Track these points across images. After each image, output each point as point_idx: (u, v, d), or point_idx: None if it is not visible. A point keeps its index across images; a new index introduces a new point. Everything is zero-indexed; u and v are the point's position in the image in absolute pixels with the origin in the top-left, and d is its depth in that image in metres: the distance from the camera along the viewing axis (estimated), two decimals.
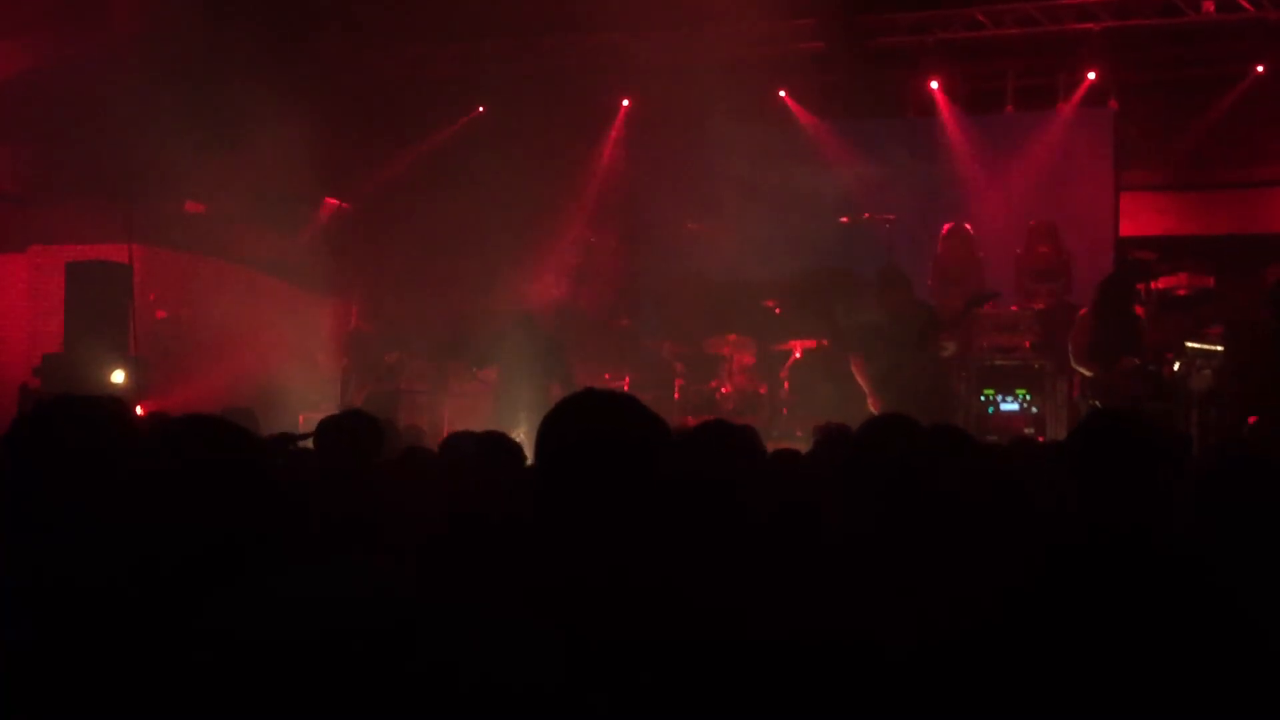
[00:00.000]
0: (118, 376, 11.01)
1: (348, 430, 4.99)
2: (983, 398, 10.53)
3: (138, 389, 10.94)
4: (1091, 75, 12.70)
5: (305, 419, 10.29)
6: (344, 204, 13.31)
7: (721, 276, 12.48)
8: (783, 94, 13.32)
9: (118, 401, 2.52)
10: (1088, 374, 9.49)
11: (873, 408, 9.20)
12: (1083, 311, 9.79)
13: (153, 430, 2.28)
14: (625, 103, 13.74)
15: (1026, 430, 10.26)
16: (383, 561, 3.00)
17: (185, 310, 12.55)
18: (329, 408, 9.85)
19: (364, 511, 3.74)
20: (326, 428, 5.04)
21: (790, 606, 2.46)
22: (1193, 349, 10.01)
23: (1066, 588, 2.46)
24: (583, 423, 2.45)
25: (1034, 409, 10.39)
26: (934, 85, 13.08)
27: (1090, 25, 12.43)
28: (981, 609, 2.51)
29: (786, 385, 11.62)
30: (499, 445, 4.70)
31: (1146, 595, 2.51)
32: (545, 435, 2.47)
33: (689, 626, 2.20)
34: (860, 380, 9.43)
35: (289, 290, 13.22)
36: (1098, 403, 9.24)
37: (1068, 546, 2.68)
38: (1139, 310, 9.82)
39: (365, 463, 4.73)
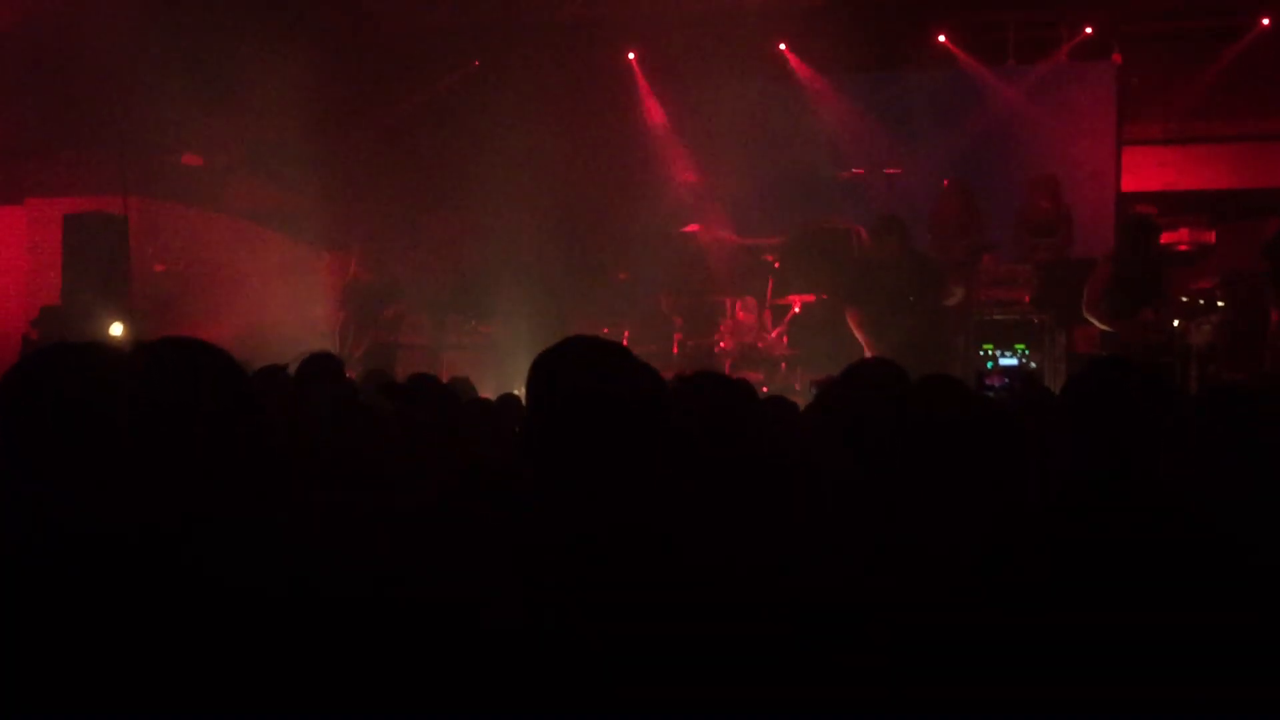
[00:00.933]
0: (115, 329, 11.01)
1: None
2: (981, 352, 10.51)
3: (136, 341, 10.92)
4: (1089, 30, 12.63)
5: None
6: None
7: (720, 230, 12.43)
8: (782, 46, 13.25)
9: (112, 348, 2.48)
10: (1101, 326, 9.44)
11: (868, 351, 9.21)
12: (1099, 262, 9.72)
13: (135, 356, 2.21)
14: (631, 55, 13.64)
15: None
16: (370, 513, 3.00)
17: (183, 263, 12.52)
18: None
19: (354, 457, 3.72)
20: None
21: (786, 559, 2.45)
22: (1194, 304, 9.98)
23: (1061, 532, 2.47)
24: (578, 372, 2.40)
25: (1032, 364, 10.38)
26: (941, 39, 13.01)
27: None
28: (977, 557, 2.51)
29: (785, 340, 11.61)
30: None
31: (1143, 543, 2.51)
32: (538, 384, 2.42)
33: (688, 580, 2.21)
34: (856, 333, 9.43)
35: (288, 243, 13.20)
36: (1105, 354, 9.22)
37: (1063, 491, 2.69)
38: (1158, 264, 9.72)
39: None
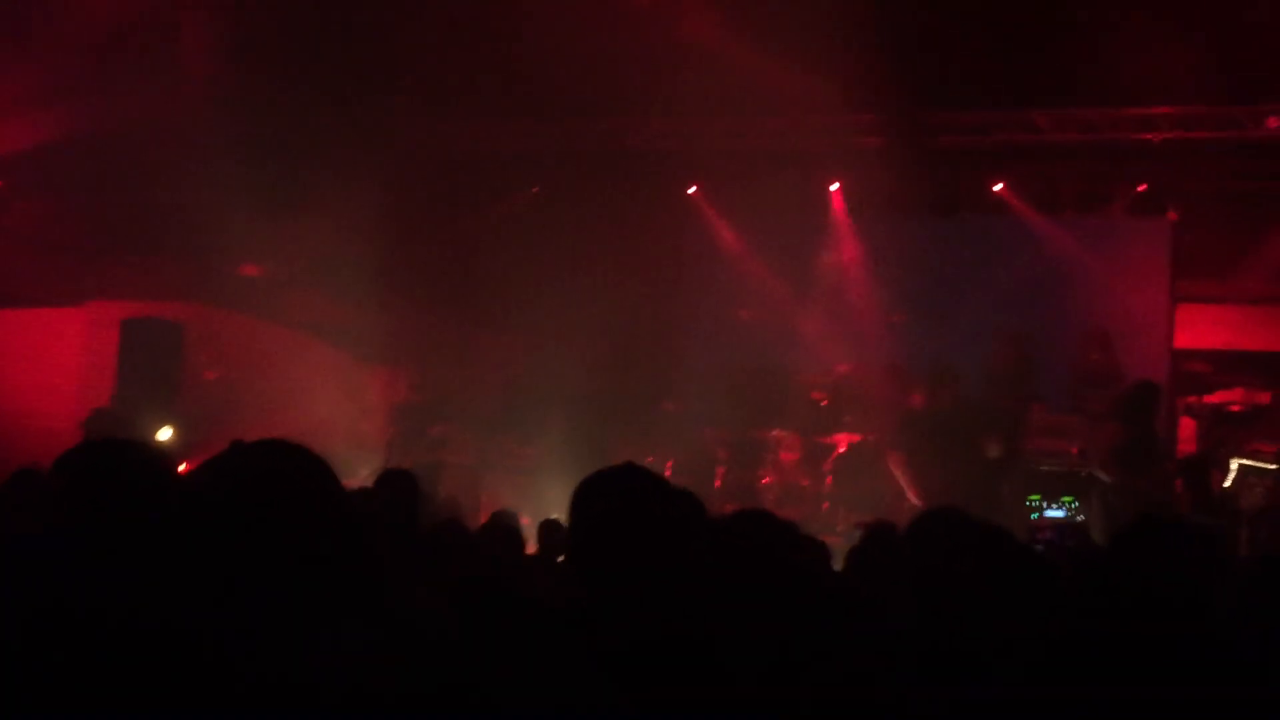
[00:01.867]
0: (164, 433, 11.12)
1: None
2: (1028, 503, 10.39)
3: (183, 447, 11.03)
4: (1142, 188, 12.69)
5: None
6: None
7: (769, 366, 12.45)
8: (834, 187, 13.31)
9: (156, 448, 2.54)
10: (1107, 479, 9.42)
11: (914, 500, 9.16)
12: (1106, 420, 9.76)
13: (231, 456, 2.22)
14: (691, 190, 13.72)
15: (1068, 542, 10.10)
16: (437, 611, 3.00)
17: (235, 371, 12.66)
18: (372, 478, 9.86)
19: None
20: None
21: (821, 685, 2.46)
22: (1245, 466, 9.87)
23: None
24: (616, 497, 2.47)
25: (1080, 516, 10.23)
26: (998, 187, 13.07)
27: (1151, 136, 12.40)
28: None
29: (829, 479, 11.54)
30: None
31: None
32: (579, 510, 2.50)
33: (728, 687, 2.26)
34: (898, 475, 9.40)
35: (340, 357, 13.32)
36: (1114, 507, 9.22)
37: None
38: (1179, 424, 9.75)
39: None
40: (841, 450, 11.57)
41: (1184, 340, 12.89)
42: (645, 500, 2.44)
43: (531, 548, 6.60)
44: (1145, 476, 9.28)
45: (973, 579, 3.11)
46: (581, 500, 2.51)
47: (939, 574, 3.14)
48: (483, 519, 7.54)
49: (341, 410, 12.34)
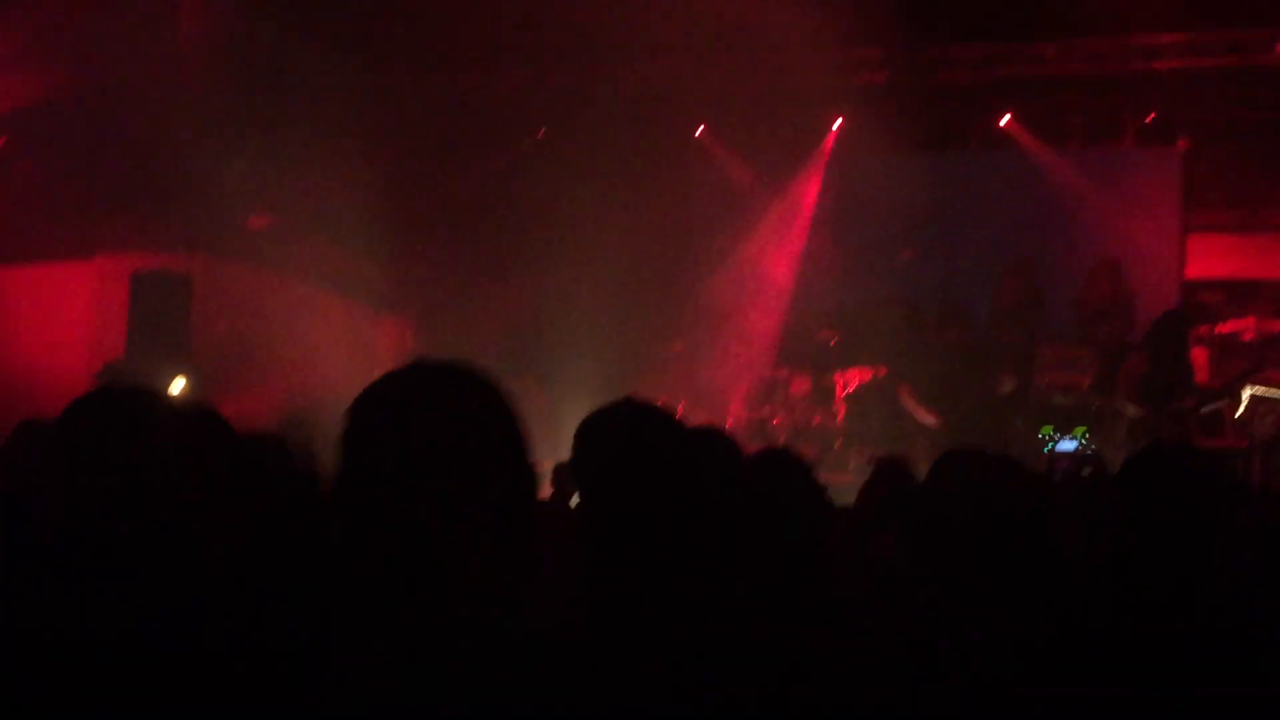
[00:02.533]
0: (176, 386, 11.14)
1: None
2: (1041, 435, 10.40)
3: (195, 399, 11.06)
4: (1150, 117, 12.57)
5: None
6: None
7: (778, 304, 12.44)
8: (839, 124, 13.21)
9: (160, 394, 2.50)
10: (1134, 413, 9.40)
11: (928, 421, 9.15)
12: (1132, 351, 9.72)
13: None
14: (698, 130, 13.61)
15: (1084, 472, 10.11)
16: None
17: (246, 323, 12.65)
18: None
19: None
20: None
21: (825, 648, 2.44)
22: (1256, 395, 9.86)
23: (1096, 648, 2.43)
24: (628, 436, 2.44)
25: (1092, 448, 10.24)
26: (1005, 121, 12.95)
27: (1158, 65, 12.28)
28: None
29: (840, 417, 11.55)
30: None
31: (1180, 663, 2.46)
32: (583, 445, 2.46)
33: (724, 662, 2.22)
34: (909, 406, 9.40)
35: (349, 306, 13.32)
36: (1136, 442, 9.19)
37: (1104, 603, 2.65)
38: (1192, 354, 9.69)
39: None
40: (851, 387, 11.58)
41: (1195, 270, 12.82)
42: (652, 434, 2.41)
43: (546, 491, 6.62)
44: (1171, 407, 9.25)
45: (997, 531, 3.05)
46: (584, 439, 2.47)
47: (959, 524, 3.08)
48: None
49: (351, 359, 12.34)
